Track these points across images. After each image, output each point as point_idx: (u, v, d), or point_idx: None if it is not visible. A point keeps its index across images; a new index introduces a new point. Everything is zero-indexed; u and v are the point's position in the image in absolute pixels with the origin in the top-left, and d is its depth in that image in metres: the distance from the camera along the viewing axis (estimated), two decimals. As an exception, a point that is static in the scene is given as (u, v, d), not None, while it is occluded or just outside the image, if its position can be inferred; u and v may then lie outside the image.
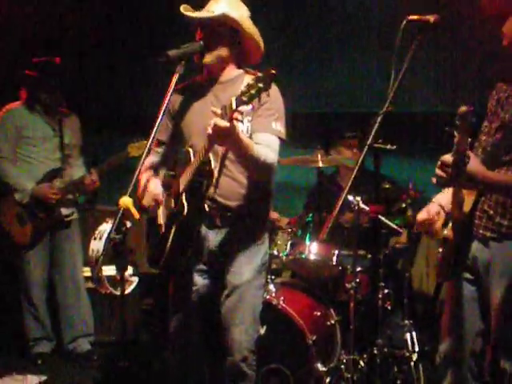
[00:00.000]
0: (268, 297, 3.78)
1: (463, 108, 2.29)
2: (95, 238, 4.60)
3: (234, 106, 2.52)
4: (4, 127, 4.45)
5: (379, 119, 2.53)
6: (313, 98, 5.78)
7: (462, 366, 2.71)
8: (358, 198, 3.85)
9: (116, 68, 6.00)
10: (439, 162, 2.41)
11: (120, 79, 6.04)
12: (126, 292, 4.51)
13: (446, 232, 2.66)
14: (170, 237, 2.91)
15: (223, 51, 2.94)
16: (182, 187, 2.87)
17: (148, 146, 2.64)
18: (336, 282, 4.20)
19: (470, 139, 2.33)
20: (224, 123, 2.56)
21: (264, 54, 3.04)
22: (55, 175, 4.47)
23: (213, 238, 2.98)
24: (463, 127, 2.30)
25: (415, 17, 2.58)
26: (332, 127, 5.49)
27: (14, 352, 4.62)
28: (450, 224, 2.66)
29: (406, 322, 4.10)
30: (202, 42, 2.89)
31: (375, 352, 3.80)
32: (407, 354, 3.95)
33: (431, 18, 2.57)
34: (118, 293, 4.51)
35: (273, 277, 4.01)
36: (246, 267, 2.98)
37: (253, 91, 2.50)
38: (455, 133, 2.31)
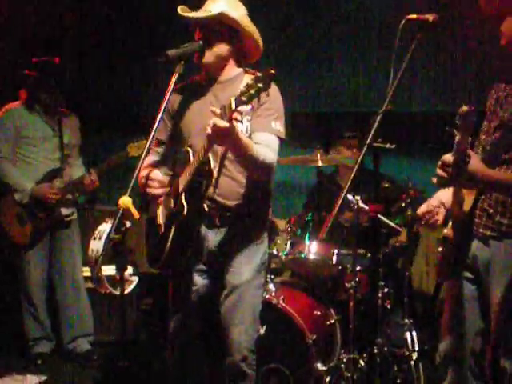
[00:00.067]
0: (268, 296, 3.78)
1: (465, 108, 2.28)
2: (95, 238, 4.58)
3: (233, 106, 2.52)
4: (4, 127, 4.43)
5: (379, 118, 2.54)
6: (312, 97, 5.77)
7: (463, 365, 2.71)
8: (358, 198, 3.84)
9: (116, 68, 6.00)
10: (440, 162, 2.40)
11: (120, 79, 6.03)
12: (126, 292, 4.51)
13: (445, 231, 2.66)
14: (170, 237, 2.90)
15: (223, 50, 2.94)
16: (181, 187, 2.87)
17: (147, 145, 2.64)
18: (336, 282, 4.19)
19: (470, 138, 2.33)
20: (223, 123, 2.55)
21: (264, 54, 3.05)
22: (55, 175, 4.46)
23: (212, 237, 2.98)
24: (464, 127, 2.29)
25: (414, 16, 2.59)
26: (332, 127, 5.49)
27: (14, 352, 4.61)
28: (450, 223, 2.66)
29: (406, 321, 4.09)
30: (201, 42, 2.89)
31: (375, 351, 3.80)
32: (407, 353, 3.94)
33: (430, 17, 2.58)
34: (117, 293, 4.50)
35: (272, 276, 4.00)
36: (245, 267, 2.98)
37: (252, 91, 2.49)
38: (455, 132, 2.30)
